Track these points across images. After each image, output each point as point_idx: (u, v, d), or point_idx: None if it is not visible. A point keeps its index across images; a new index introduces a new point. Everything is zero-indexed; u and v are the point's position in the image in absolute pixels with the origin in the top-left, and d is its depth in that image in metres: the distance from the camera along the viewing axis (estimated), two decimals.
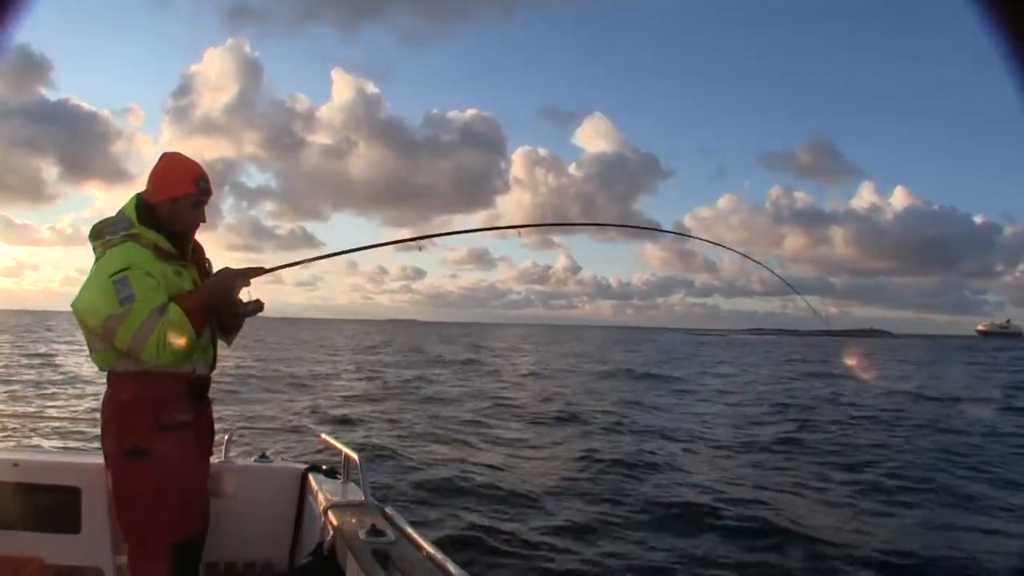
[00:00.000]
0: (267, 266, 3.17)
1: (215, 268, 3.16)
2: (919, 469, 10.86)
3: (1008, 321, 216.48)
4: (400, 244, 3.84)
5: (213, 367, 3.11)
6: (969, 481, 10.23)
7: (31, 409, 15.34)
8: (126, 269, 2.71)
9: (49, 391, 18.80)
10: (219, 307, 3.02)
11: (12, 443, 9.94)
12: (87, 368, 25.32)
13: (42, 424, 11.87)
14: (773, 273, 4.73)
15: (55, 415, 13.75)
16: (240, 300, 3.04)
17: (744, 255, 5.07)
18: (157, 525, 2.84)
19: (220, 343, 3.16)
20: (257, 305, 3.08)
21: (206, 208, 3.04)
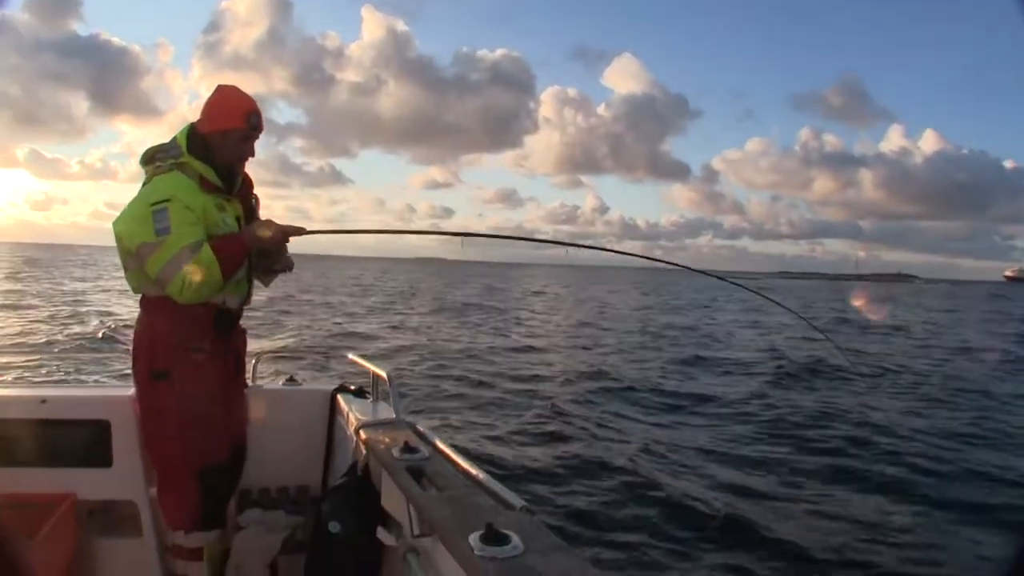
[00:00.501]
0: (308, 228, 3.19)
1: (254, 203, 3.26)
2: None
3: None
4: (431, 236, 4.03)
5: (247, 301, 3.16)
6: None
7: (59, 338, 15.38)
8: (167, 200, 2.77)
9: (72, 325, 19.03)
10: (253, 259, 3.09)
11: (38, 379, 10.10)
12: (114, 302, 26.17)
13: (69, 356, 11.95)
14: (785, 308, 4.29)
15: (82, 345, 13.98)
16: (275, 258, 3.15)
17: (720, 278, 4.98)
18: (182, 449, 2.93)
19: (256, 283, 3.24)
20: (288, 262, 3.18)
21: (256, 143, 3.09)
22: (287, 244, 3.13)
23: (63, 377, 10.70)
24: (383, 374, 3.51)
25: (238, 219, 3.08)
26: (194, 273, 2.77)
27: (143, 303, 3.01)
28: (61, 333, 17.16)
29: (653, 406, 11.56)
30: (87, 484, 3.43)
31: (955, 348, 22.47)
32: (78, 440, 3.48)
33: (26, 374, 10.64)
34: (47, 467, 3.40)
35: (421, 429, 3.06)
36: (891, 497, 7.43)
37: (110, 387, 4.19)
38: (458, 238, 3.63)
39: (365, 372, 3.77)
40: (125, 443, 3.43)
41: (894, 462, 8.50)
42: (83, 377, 10.53)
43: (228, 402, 3.14)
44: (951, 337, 27.36)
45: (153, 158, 2.95)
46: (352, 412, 3.45)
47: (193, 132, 2.97)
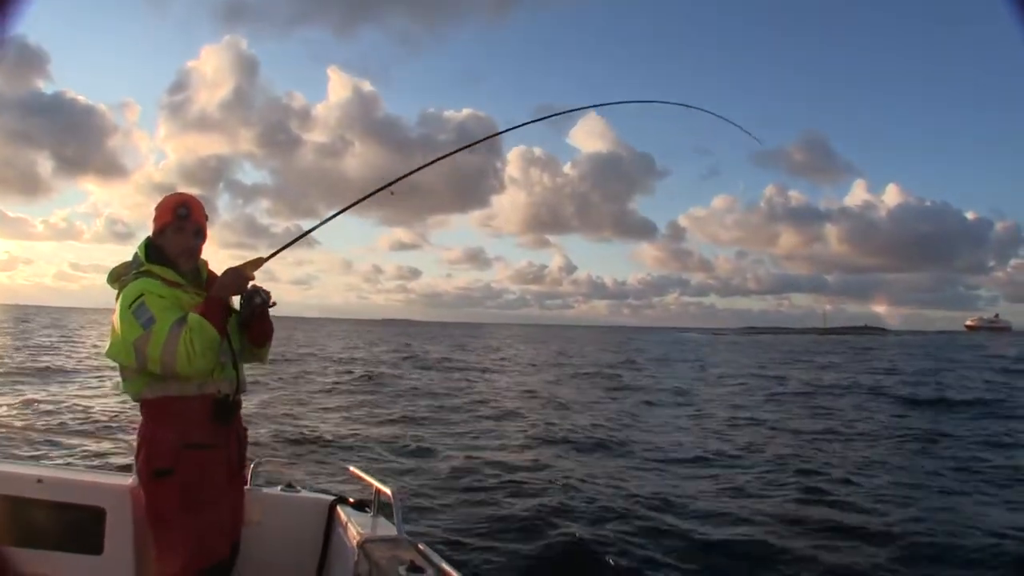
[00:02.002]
0: (264, 255, 3.24)
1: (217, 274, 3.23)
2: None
3: (996, 315, 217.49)
4: (377, 193, 3.63)
5: (240, 388, 3.18)
6: None
7: (55, 422, 14.73)
8: (140, 296, 2.89)
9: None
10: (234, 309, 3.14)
11: (37, 457, 9.73)
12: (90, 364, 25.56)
13: (64, 439, 11.46)
14: None
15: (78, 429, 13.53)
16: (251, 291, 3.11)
17: None
18: (185, 547, 2.91)
19: (247, 364, 3.28)
20: (264, 297, 3.12)
21: (207, 231, 3.17)
22: (254, 278, 3.14)
23: (65, 457, 10.30)
24: (387, 490, 3.42)
25: None
26: (192, 339, 2.85)
27: (143, 408, 3.04)
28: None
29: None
30: (76, 569, 3.40)
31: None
32: (71, 524, 3.46)
33: (27, 450, 10.23)
34: (36, 548, 3.34)
35: (424, 548, 3.02)
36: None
37: (109, 474, 4.08)
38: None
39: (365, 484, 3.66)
40: (118, 532, 3.42)
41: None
42: (81, 461, 10.03)
43: (230, 498, 3.15)
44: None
45: (119, 276, 3.08)
46: (352, 525, 3.42)
47: (149, 243, 3.11)
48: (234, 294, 3.14)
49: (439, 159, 3.92)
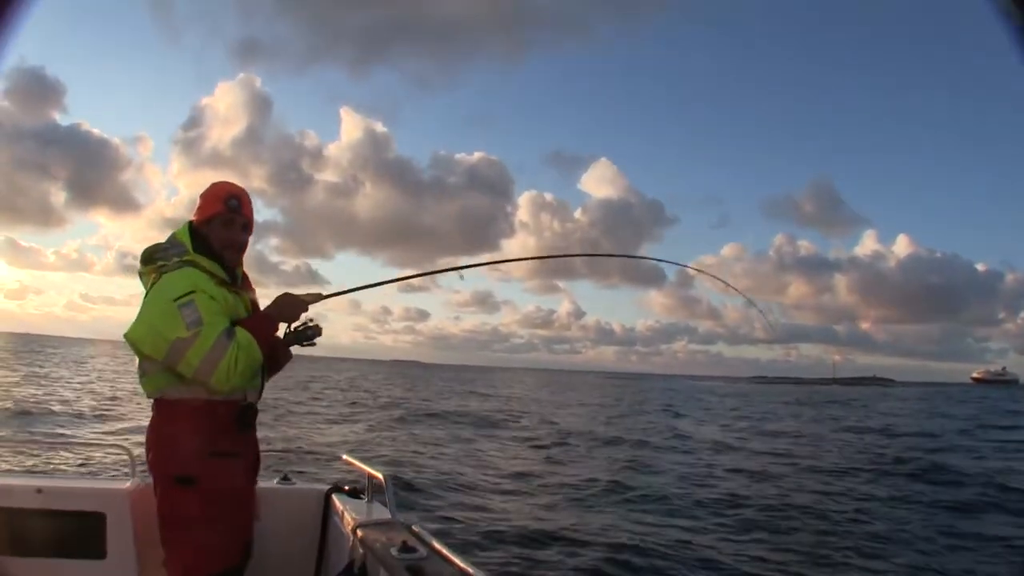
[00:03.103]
0: (324, 292, 3.22)
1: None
2: None
3: (1003, 368, 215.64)
4: (431, 275, 4.09)
5: (261, 396, 3.13)
6: None
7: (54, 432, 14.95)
8: (191, 293, 2.74)
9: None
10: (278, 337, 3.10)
11: (35, 468, 9.93)
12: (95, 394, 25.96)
13: (63, 450, 11.76)
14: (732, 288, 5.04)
15: (77, 440, 13.63)
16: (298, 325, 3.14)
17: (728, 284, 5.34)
18: (201, 554, 2.85)
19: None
20: (316, 330, 3.13)
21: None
22: (307, 311, 3.14)
23: (61, 467, 10.61)
24: (379, 475, 3.51)
25: (247, 311, 3.07)
26: (238, 358, 2.76)
27: (159, 406, 2.93)
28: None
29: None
30: (79, 575, 3.45)
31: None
32: (72, 531, 3.50)
33: (25, 462, 10.49)
34: (40, 557, 3.40)
35: (417, 529, 3.05)
36: None
37: (106, 480, 4.22)
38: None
39: (359, 472, 3.75)
40: (119, 536, 3.46)
41: None
42: (80, 469, 10.42)
43: (250, 505, 3.12)
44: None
45: (153, 257, 2.94)
46: (347, 512, 3.47)
47: (193, 229, 3.00)
48: (288, 321, 3.09)
49: (498, 262, 4.36)
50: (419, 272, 4.34)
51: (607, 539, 8.95)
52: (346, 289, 3.58)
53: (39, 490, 3.55)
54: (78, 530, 3.49)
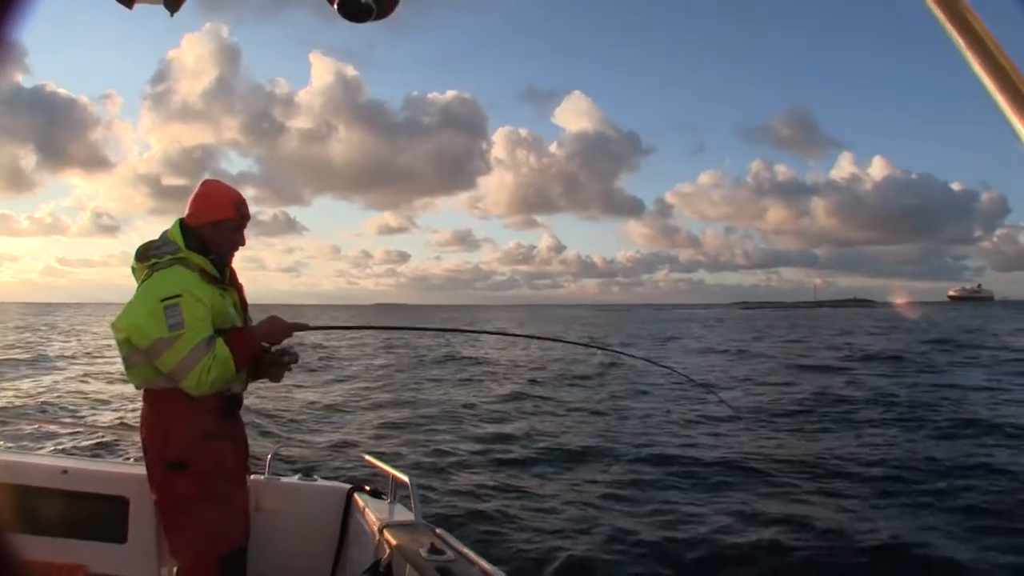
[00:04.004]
0: (311, 324, 3.35)
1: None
2: None
3: (979, 285, 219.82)
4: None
5: (245, 387, 3.21)
6: None
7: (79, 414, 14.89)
8: (178, 296, 2.82)
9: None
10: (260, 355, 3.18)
11: (61, 449, 9.72)
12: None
13: (88, 431, 11.34)
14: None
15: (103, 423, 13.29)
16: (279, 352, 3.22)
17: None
18: (204, 538, 2.91)
19: None
20: (293, 357, 3.24)
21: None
22: (291, 337, 3.22)
23: (90, 447, 10.31)
24: (404, 477, 3.49)
25: (235, 307, 3.14)
26: (211, 368, 2.81)
27: (148, 396, 3.01)
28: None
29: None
30: (100, 558, 3.46)
31: None
32: (95, 514, 3.55)
33: (50, 442, 10.20)
34: (62, 537, 3.42)
35: (442, 533, 3.06)
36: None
37: (131, 465, 4.08)
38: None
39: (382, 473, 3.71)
40: (142, 521, 3.47)
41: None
42: (105, 453, 9.90)
43: (242, 488, 3.17)
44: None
45: (147, 255, 2.99)
46: (369, 511, 3.46)
47: (185, 227, 3.03)
48: (271, 342, 3.18)
49: (491, 332, 4.73)
50: (410, 327, 4.13)
51: None
52: (334, 326, 4.31)
53: (64, 471, 3.60)
54: (100, 513, 3.54)
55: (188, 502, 2.89)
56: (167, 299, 2.80)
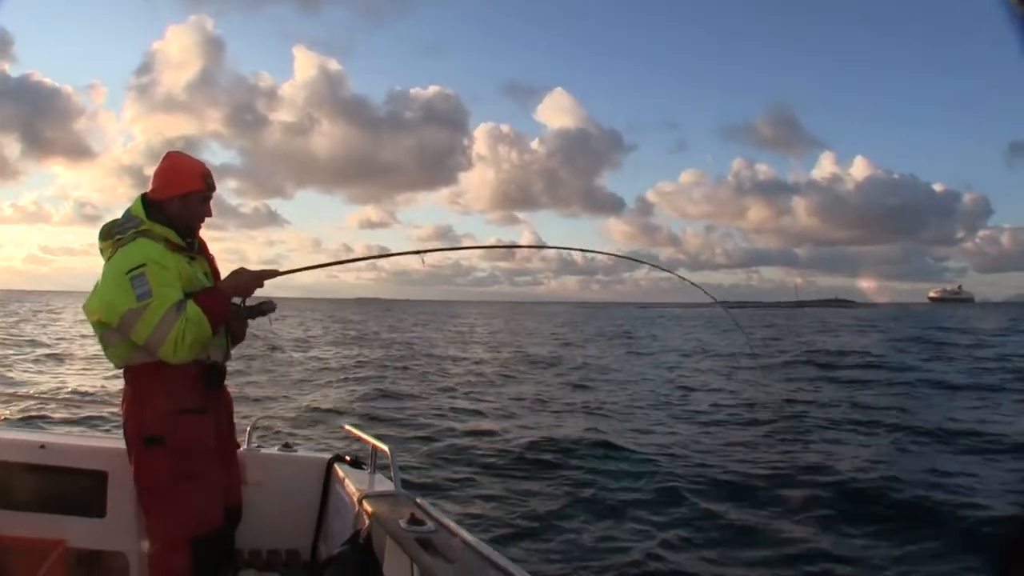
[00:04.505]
0: (281, 269, 3.31)
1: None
2: None
3: (959, 287, 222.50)
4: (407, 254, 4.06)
5: (227, 356, 3.18)
6: None
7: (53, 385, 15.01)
8: (142, 265, 2.78)
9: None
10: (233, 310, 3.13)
11: (37, 424, 9.68)
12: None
13: (64, 404, 11.53)
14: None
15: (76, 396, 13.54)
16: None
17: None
18: (178, 516, 2.86)
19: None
20: (269, 304, 3.22)
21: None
22: (263, 287, 3.17)
23: (67, 420, 10.50)
24: (384, 447, 3.46)
25: (206, 275, 3.11)
26: (186, 331, 2.78)
27: (127, 374, 2.97)
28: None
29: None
30: (79, 532, 3.46)
31: None
32: (73, 488, 3.52)
33: (29, 415, 10.25)
34: (40, 512, 3.41)
35: (423, 503, 3.05)
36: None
37: (110, 438, 3.98)
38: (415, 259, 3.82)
39: (361, 443, 3.72)
40: (120, 495, 3.42)
41: None
42: (84, 427, 9.96)
43: (223, 463, 3.10)
44: None
45: (111, 232, 2.96)
46: (350, 482, 3.45)
47: (148, 201, 3.01)
48: (242, 295, 3.13)
49: (481, 247, 4.23)
50: (383, 254, 5.14)
51: None
52: (303, 267, 3.65)
53: (42, 446, 3.59)
54: (79, 487, 3.51)
55: (163, 480, 2.85)
56: (131, 270, 2.76)
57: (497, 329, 55.34)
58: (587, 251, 4.60)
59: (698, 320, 78.85)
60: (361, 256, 3.54)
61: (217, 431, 3.09)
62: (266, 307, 3.20)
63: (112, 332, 2.88)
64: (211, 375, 3.05)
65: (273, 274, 3.21)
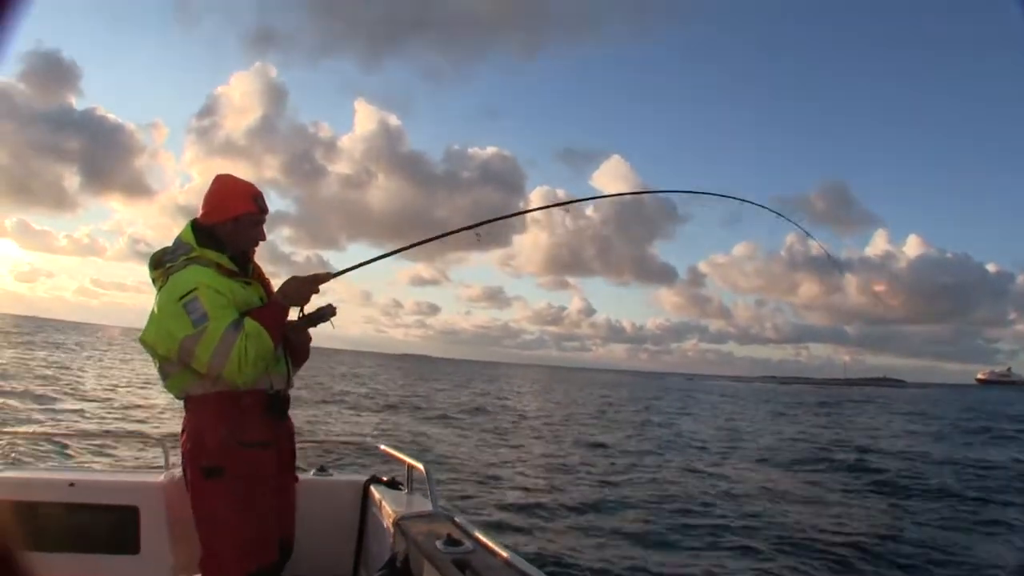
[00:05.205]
0: (333, 271, 3.15)
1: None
2: None
3: (1008, 369, 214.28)
4: (459, 232, 3.55)
5: (289, 383, 3.08)
6: None
7: (87, 427, 14.87)
8: (194, 290, 2.72)
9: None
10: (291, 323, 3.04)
11: (67, 462, 9.66)
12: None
13: (94, 443, 11.48)
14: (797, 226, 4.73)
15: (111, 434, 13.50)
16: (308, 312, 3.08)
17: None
18: (234, 552, 2.79)
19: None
20: (329, 309, 3.08)
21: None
22: (319, 292, 3.05)
23: (94, 459, 10.41)
24: (420, 466, 3.42)
25: (262, 300, 3.00)
26: (247, 348, 2.71)
27: (188, 404, 2.91)
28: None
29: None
30: (113, 570, 3.38)
31: None
32: (106, 525, 3.46)
33: (55, 455, 10.17)
34: (73, 552, 3.33)
35: (460, 522, 2.99)
36: None
37: (140, 473, 4.14)
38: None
39: (399, 464, 3.67)
40: (153, 530, 3.41)
41: None
42: (112, 461, 10.16)
43: (280, 495, 3.02)
44: None
45: (161, 261, 2.92)
46: (386, 503, 3.41)
47: (198, 227, 2.94)
48: (298, 305, 3.02)
49: (522, 212, 4.08)
50: (434, 236, 3.47)
51: None
52: (358, 264, 3.37)
53: (71, 484, 3.51)
54: (111, 524, 3.46)
55: (220, 511, 2.79)
56: (183, 296, 2.71)
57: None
58: (660, 191, 4.57)
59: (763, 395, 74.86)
60: (416, 242, 3.43)
61: (278, 463, 3.01)
62: (326, 312, 3.08)
63: (170, 363, 2.83)
64: (274, 404, 2.97)
65: (327, 277, 3.07)
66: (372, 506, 3.63)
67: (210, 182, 3.03)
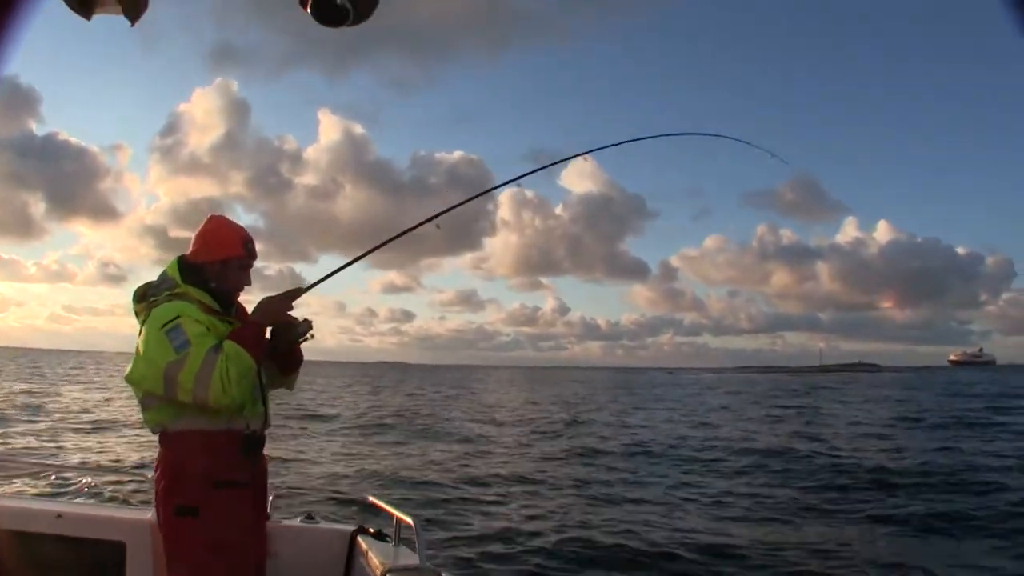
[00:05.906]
0: (304, 285, 3.20)
1: None
2: None
3: (980, 349, 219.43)
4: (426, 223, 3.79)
5: (266, 423, 3.08)
6: None
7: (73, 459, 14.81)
8: (177, 318, 2.74)
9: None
10: (272, 337, 3.06)
11: (55, 493, 9.55)
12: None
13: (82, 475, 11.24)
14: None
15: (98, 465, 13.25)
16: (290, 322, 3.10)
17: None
18: None
19: (273, 394, 3.21)
20: (307, 324, 3.10)
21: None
22: (292, 309, 3.08)
23: (85, 491, 10.19)
24: (408, 519, 3.37)
25: None
26: (228, 367, 2.70)
27: (163, 440, 2.90)
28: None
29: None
30: None
31: None
32: (91, 559, 3.46)
33: (45, 486, 10.02)
34: None
35: None
36: None
37: (128, 508, 4.11)
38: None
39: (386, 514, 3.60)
40: (139, 566, 3.39)
41: None
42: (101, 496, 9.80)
43: (259, 537, 3.07)
44: None
45: (146, 295, 2.94)
46: (373, 555, 3.38)
47: (185, 263, 2.98)
48: (273, 324, 3.03)
49: (474, 197, 4.10)
50: (395, 234, 3.68)
51: None
52: (327, 274, 3.41)
53: (59, 515, 3.52)
54: (97, 559, 3.45)
55: (193, 553, 2.76)
56: (166, 324, 2.73)
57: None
58: (650, 137, 4.92)
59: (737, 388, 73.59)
60: (379, 244, 3.54)
61: (253, 505, 3.01)
62: (303, 327, 3.09)
63: (151, 396, 2.83)
64: (250, 444, 2.96)
65: (299, 292, 3.10)
66: (358, 556, 3.55)
67: (182, 213, 3.18)
